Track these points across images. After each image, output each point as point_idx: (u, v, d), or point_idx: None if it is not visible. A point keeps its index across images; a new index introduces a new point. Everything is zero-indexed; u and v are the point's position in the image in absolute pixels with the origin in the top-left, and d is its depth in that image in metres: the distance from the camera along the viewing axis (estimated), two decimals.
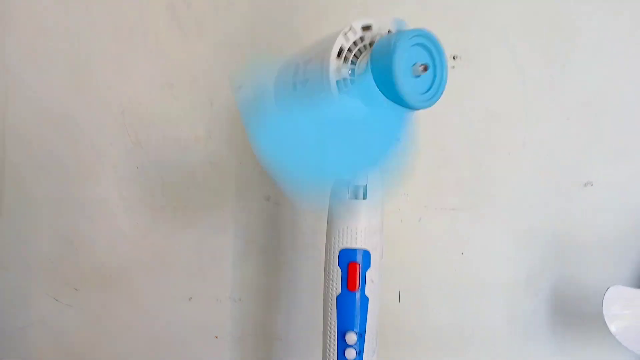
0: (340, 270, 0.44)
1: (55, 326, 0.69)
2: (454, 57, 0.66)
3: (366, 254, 0.44)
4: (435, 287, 0.67)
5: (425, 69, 0.37)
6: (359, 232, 0.43)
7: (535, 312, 0.66)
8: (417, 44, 0.38)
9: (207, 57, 0.67)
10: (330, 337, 0.45)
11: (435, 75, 0.39)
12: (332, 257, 0.44)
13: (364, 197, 0.44)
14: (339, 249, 0.44)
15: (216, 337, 0.68)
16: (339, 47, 0.39)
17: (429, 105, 0.40)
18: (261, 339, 0.68)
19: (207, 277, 0.68)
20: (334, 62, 0.39)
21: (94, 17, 0.67)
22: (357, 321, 0.43)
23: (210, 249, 0.68)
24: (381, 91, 0.38)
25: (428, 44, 0.38)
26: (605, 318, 0.53)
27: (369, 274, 0.44)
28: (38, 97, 0.68)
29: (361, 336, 0.44)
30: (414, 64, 0.38)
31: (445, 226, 0.67)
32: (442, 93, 0.40)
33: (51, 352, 0.70)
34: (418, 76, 0.38)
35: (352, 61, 0.40)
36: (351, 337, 0.43)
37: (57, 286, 0.69)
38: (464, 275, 0.67)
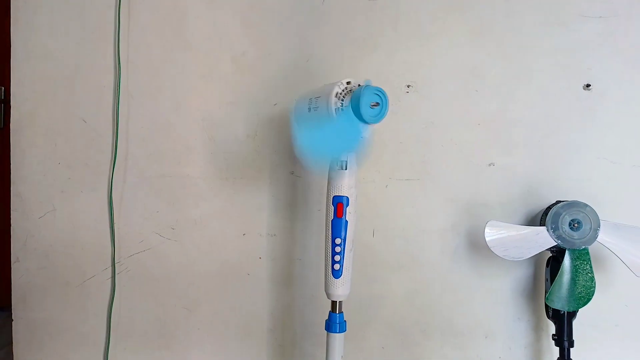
0: (333, 207, 0.79)
1: (159, 253, 1.03)
2: (408, 86, 1.00)
3: (347, 199, 0.78)
4: (395, 229, 1.00)
5: (377, 105, 0.72)
6: (342, 187, 0.78)
7: (458, 246, 0.99)
8: (375, 93, 0.73)
9: (255, 86, 1.00)
10: (327, 241, 0.80)
11: (381, 108, 0.74)
12: (328, 200, 0.79)
13: (346, 168, 0.79)
14: (332, 195, 0.79)
15: (260, 258, 1.01)
16: (335, 92, 0.75)
17: (377, 122, 0.74)
18: (287, 260, 1.01)
19: (254, 221, 1.01)
20: (332, 99, 0.75)
21: (186, 63, 1.00)
22: (341, 232, 0.78)
23: (256, 204, 1.01)
24: (355, 115, 0.74)
25: (379, 93, 0.73)
26: (485, 236, 0.86)
27: (348, 209, 0.78)
28: (150, 113, 1.00)
29: (343, 240, 0.78)
30: (371, 102, 0.73)
31: (402, 191, 0.99)
32: (384, 116, 0.74)
33: (156, 270, 1.02)
34: (373, 108, 0.73)
35: (341, 99, 0.75)
36: (338, 241, 0.78)
37: (161, 227, 1.02)
38: (414, 222, 0.99)
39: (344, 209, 0.78)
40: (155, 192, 1.02)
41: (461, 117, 0.99)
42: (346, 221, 0.78)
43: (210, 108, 1.01)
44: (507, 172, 0.99)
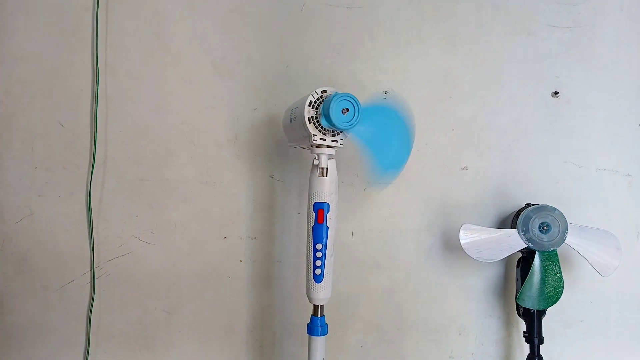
0: (314, 213, 0.78)
1: (139, 257, 0.99)
2: (385, 92, 1.00)
3: (327, 205, 0.77)
4: (373, 231, 1.00)
5: (346, 111, 0.72)
6: (323, 193, 0.77)
7: (432, 245, 1.00)
8: (344, 99, 0.72)
9: (234, 90, 0.98)
10: (309, 247, 0.79)
11: (354, 114, 0.73)
12: (310, 206, 0.78)
13: (326, 175, 0.78)
14: (313, 202, 0.78)
15: (240, 260, 1.00)
16: (309, 101, 0.74)
17: (350, 128, 0.73)
18: (267, 262, 1.00)
19: (235, 224, 0.99)
20: (307, 108, 0.74)
21: (166, 66, 0.98)
22: (322, 238, 0.78)
23: (236, 207, 0.99)
24: (327, 122, 0.73)
25: (349, 99, 0.72)
26: (460, 239, 0.87)
27: (328, 215, 0.77)
28: (129, 116, 0.97)
29: (324, 246, 0.78)
30: (342, 108, 0.72)
31: (379, 193, 0.99)
32: (357, 122, 0.73)
33: (137, 274, 0.99)
34: (344, 114, 0.72)
35: (315, 107, 0.74)
36: (319, 246, 0.77)
37: (141, 231, 0.99)
38: (391, 223, 1.00)
39: (325, 215, 0.78)
40: (134, 195, 0.99)
41: (436, 123, 1.00)
42: (327, 227, 0.78)
43: (190, 112, 0.99)
44: (479, 175, 1.00)
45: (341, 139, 0.77)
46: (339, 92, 0.74)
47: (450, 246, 1.00)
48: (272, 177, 1.00)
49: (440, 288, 1.01)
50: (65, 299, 1.00)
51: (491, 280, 1.01)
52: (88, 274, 1.00)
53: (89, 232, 0.99)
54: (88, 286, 1.00)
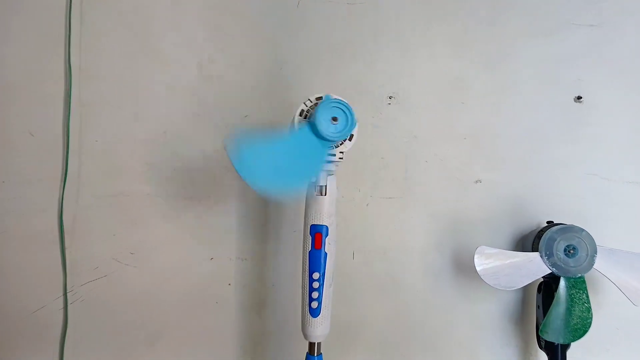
0: (310, 237, 0.68)
1: (117, 280, 0.89)
2: (390, 97, 0.90)
3: (326, 228, 0.68)
4: (376, 250, 0.90)
5: (335, 120, 0.62)
6: (321, 214, 0.68)
7: (442, 266, 0.90)
8: (334, 106, 0.62)
9: (223, 95, 0.89)
10: (304, 275, 0.69)
11: (346, 123, 0.63)
12: (306, 229, 0.69)
13: (325, 194, 0.68)
14: (310, 224, 0.68)
15: (229, 284, 0.90)
16: (300, 109, 0.64)
17: (340, 139, 0.63)
18: (259, 286, 0.90)
19: (223, 244, 0.89)
20: (297, 118, 0.64)
21: (147, 69, 0.88)
22: (320, 266, 0.68)
23: (225, 225, 0.89)
24: (313, 132, 0.63)
25: (340, 106, 0.63)
26: (475, 265, 0.78)
27: (327, 239, 0.68)
28: (105, 125, 0.88)
29: (322, 275, 0.68)
30: (331, 117, 0.62)
31: (384, 209, 0.90)
32: (349, 132, 0.63)
33: (114, 299, 0.89)
34: (334, 124, 0.62)
35: (306, 116, 0.65)
36: (316, 275, 0.68)
37: (119, 252, 0.89)
38: (396, 242, 0.90)
39: (323, 239, 0.68)
40: (112, 213, 0.89)
41: (445, 131, 0.90)
42: (325, 253, 0.68)
43: (174, 119, 0.89)
44: (493, 189, 0.91)
45: (341, 152, 0.67)
46: (329, 98, 0.64)
47: (462, 267, 0.90)
48: None
49: (451, 314, 0.91)
50: (36, 326, 0.90)
51: (508, 306, 0.91)
52: (61, 299, 0.90)
53: (61, 253, 0.89)
54: (61, 312, 0.90)
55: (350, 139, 0.67)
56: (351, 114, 0.63)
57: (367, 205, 0.90)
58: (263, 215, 0.90)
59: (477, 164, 0.90)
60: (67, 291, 0.89)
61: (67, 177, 0.88)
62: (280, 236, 0.90)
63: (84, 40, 0.88)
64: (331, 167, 0.67)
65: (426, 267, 0.90)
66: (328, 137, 0.62)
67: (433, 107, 0.90)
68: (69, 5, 0.87)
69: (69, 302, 0.89)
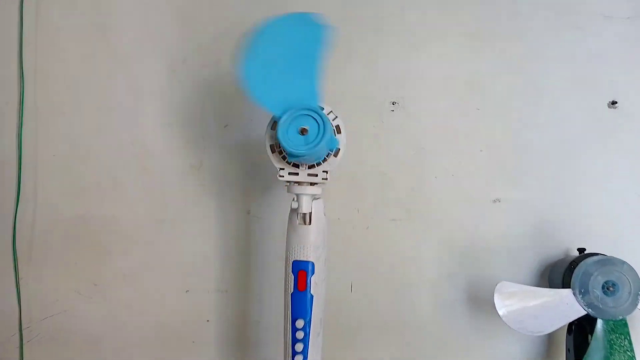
0: (293, 276, 0.56)
1: (79, 315, 0.80)
2: (393, 103, 0.79)
3: (312, 265, 0.56)
4: (379, 280, 0.79)
5: (303, 131, 0.50)
6: (305, 248, 0.56)
7: (455, 301, 0.78)
8: (303, 114, 0.51)
9: (199, 102, 0.79)
10: (286, 323, 0.57)
11: (317, 133, 0.51)
12: (287, 266, 0.57)
13: (309, 223, 0.56)
14: (292, 260, 0.56)
15: (208, 320, 0.79)
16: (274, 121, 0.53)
17: (311, 153, 0.52)
18: (242, 322, 0.79)
19: (200, 274, 0.79)
20: (270, 132, 0.54)
21: (111, 72, 0.79)
22: (304, 312, 0.56)
23: (202, 252, 0.79)
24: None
25: (312, 113, 0.51)
26: (496, 307, 0.65)
27: (313, 278, 0.56)
28: (65, 136, 0.79)
29: (308, 323, 0.56)
30: (299, 128, 0.51)
31: (387, 233, 0.79)
32: (320, 143, 0.52)
33: (76, 337, 0.80)
34: (304, 135, 0.51)
35: None
36: (300, 323, 0.56)
37: (81, 283, 0.79)
38: (401, 272, 0.79)
39: (308, 279, 0.56)
40: (73, 238, 0.79)
41: (459, 142, 0.79)
42: (311, 295, 0.56)
43: (143, 130, 0.79)
44: (514, 210, 0.78)
45: (325, 172, 0.55)
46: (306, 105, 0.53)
47: (478, 301, 0.78)
48: (248, 213, 0.79)
49: (465, 354, 0.79)
50: None
51: (532, 347, 0.78)
52: (16, 337, 0.80)
53: (15, 284, 0.79)
54: (16, 351, 0.80)
55: (336, 154, 0.54)
56: (323, 121, 0.51)
57: (367, 228, 0.79)
58: (246, 241, 0.79)
59: (495, 181, 0.78)
60: (23, 328, 0.80)
61: (21, 197, 0.79)
62: (266, 265, 0.79)
63: (39, 40, 0.79)
64: (315, 189, 0.55)
65: (437, 301, 0.79)
66: (295, 152, 0.50)
67: (444, 114, 0.78)
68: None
69: (24, 340, 0.80)
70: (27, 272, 0.79)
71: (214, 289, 0.79)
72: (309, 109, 0.51)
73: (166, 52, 0.79)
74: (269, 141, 0.53)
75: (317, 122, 0.51)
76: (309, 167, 0.55)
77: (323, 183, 0.56)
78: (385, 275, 0.79)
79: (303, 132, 0.51)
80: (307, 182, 0.55)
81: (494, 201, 0.78)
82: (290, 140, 0.51)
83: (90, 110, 0.79)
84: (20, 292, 0.79)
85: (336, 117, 0.57)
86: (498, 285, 0.66)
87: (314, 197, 0.56)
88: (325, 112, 0.56)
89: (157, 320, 0.80)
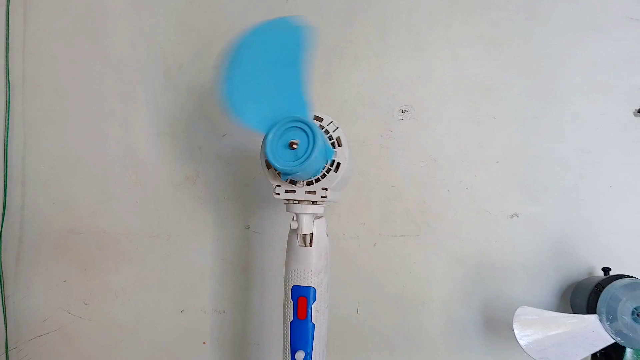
0: (292, 302, 0.51)
1: (69, 335, 0.76)
2: (402, 111, 0.74)
3: (313, 290, 0.51)
4: (387, 301, 0.74)
5: (292, 144, 0.45)
6: (306, 273, 0.51)
7: (469, 323, 0.73)
8: (292, 126, 0.46)
9: (195, 110, 0.75)
10: (285, 354, 0.52)
11: (307, 147, 0.46)
12: (286, 291, 0.52)
13: (310, 245, 0.51)
14: (291, 285, 0.51)
15: (204, 343, 0.75)
16: None
17: (300, 168, 0.47)
18: (240, 344, 0.75)
19: (196, 292, 0.75)
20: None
21: (103, 79, 0.76)
22: (305, 343, 0.51)
23: (199, 269, 0.75)
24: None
25: (302, 125, 0.46)
26: (516, 335, 0.60)
27: (314, 306, 0.51)
28: (54, 147, 0.76)
29: (309, 355, 0.51)
30: (288, 141, 0.46)
31: (395, 250, 0.74)
32: (309, 158, 0.47)
33: (67, 355, 0.76)
34: (293, 150, 0.46)
35: None
36: (300, 355, 0.51)
37: (70, 301, 0.76)
38: (411, 291, 0.74)
39: (309, 306, 0.51)
40: (62, 253, 0.75)
41: (473, 153, 0.74)
42: (312, 325, 0.51)
43: (136, 140, 0.76)
44: (533, 226, 0.73)
45: (324, 189, 0.50)
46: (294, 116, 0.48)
47: (494, 323, 0.73)
48: (247, 227, 0.75)
49: None
50: None
51: None
52: (3, 358, 0.76)
53: (1, 302, 0.75)
54: None
55: (336, 169, 0.49)
56: (312, 132, 0.46)
57: (374, 245, 0.74)
58: (245, 257, 0.75)
59: (512, 194, 0.73)
60: (10, 348, 0.76)
61: (7, 210, 0.75)
62: (266, 283, 0.75)
63: (27, 45, 0.75)
64: (317, 208, 0.50)
65: (449, 323, 0.74)
66: (285, 170, 0.46)
67: (457, 122, 0.74)
68: (7, 1, 0.73)
69: None
70: (14, 290, 0.76)
71: (211, 308, 0.75)
72: (295, 120, 0.46)
73: (161, 56, 0.76)
74: (264, 156, 0.48)
75: (306, 133, 0.46)
76: (307, 184, 0.50)
77: (324, 202, 0.51)
78: (394, 295, 0.74)
79: (292, 146, 0.46)
80: (308, 201, 0.50)
81: (511, 216, 0.73)
82: (280, 157, 0.46)
83: (81, 118, 0.76)
84: (7, 311, 0.75)
85: (337, 127, 0.51)
86: (517, 310, 0.60)
87: (316, 217, 0.51)
88: (325, 122, 0.51)
89: (151, 342, 0.75)
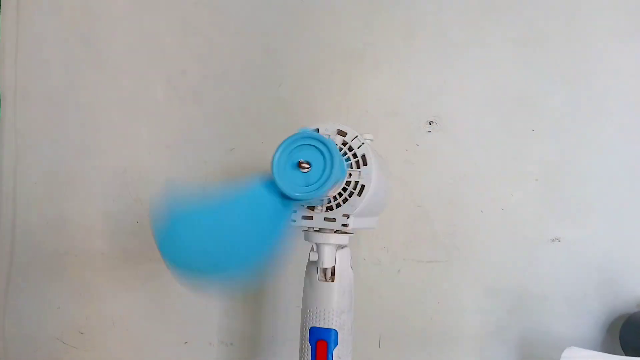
0: (310, 347, 0.45)
1: None
2: (429, 122, 0.69)
3: (334, 333, 0.44)
4: (413, 335, 0.69)
5: (300, 164, 0.40)
6: (327, 312, 0.44)
7: (503, 359, 0.68)
8: (304, 142, 0.40)
9: (200, 120, 0.72)
10: None
11: (323, 171, 0.40)
12: (304, 333, 0.45)
13: (332, 279, 0.44)
14: (309, 327, 0.45)
15: None
16: None
17: (313, 195, 0.40)
18: None
19: (201, 323, 0.71)
20: None
21: (100, 87, 0.73)
22: None
23: (203, 297, 0.71)
24: (272, 186, 0.41)
25: (315, 143, 0.40)
26: None
27: (336, 352, 0.45)
28: (47, 161, 0.73)
29: None
30: (297, 161, 0.40)
31: (422, 277, 0.69)
32: (326, 185, 0.40)
33: None
34: (304, 171, 0.40)
35: None
36: None
37: (64, 330, 0.72)
38: (439, 324, 0.69)
39: (329, 351, 0.44)
40: (55, 277, 0.73)
41: (509, 169, 0.69)
42: None
43: (136, 154, 0.73)
44: (576, 251, 0.68)
45: (346, 216, 0.43)
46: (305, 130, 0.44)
47: None
48: None
49: None
50: None
51: None
52: None
53: None
54: None
55: (360, 193, 0.43)
56: (331, 153, 0.40)
57: (398, 271, 0.69)
58: (255, 285, 0.71)
59: (553, 216, 0.68)
60: None
61: None
62: (278, 312, 0.70)
63: (19, 52, 0.73)
64: (341, 238, 0.44)
65: (482, 359, 0.69)
66: (292, 195, 0.39)
67: (490, 135, 0.69)
68: None
69: None
70: (3, 317, 0.73)
71: (217, 340, 0.71)
72: (311, 137, 0.40)
73: (163, 62, 0.73)
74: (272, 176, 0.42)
75: (323, 154, 0.40)
76: (327, 209, 0.44)
77: (347, 231, 0.44)
78: (420, 328, 0.70)
79: (301, 166, 0.39)
80: (331, 229, 0.43)
81: (552, 240, 0.68)
82: (288, 180, 0.40)
83: (76, 131, 0.74)
84: None
85: (362, 144, 0.45)
86: (565, 352, 0.54)
87: (339, 247, 0.45)
88: (349, 137, 0.45)
89: None
